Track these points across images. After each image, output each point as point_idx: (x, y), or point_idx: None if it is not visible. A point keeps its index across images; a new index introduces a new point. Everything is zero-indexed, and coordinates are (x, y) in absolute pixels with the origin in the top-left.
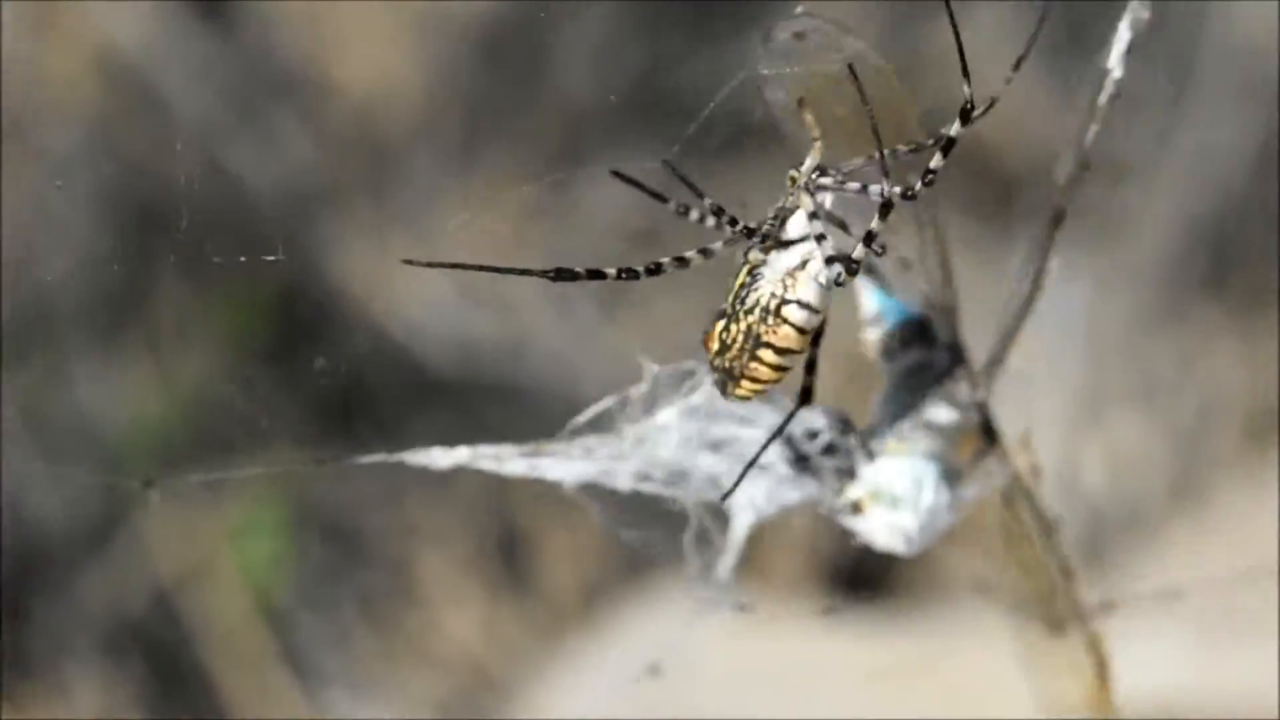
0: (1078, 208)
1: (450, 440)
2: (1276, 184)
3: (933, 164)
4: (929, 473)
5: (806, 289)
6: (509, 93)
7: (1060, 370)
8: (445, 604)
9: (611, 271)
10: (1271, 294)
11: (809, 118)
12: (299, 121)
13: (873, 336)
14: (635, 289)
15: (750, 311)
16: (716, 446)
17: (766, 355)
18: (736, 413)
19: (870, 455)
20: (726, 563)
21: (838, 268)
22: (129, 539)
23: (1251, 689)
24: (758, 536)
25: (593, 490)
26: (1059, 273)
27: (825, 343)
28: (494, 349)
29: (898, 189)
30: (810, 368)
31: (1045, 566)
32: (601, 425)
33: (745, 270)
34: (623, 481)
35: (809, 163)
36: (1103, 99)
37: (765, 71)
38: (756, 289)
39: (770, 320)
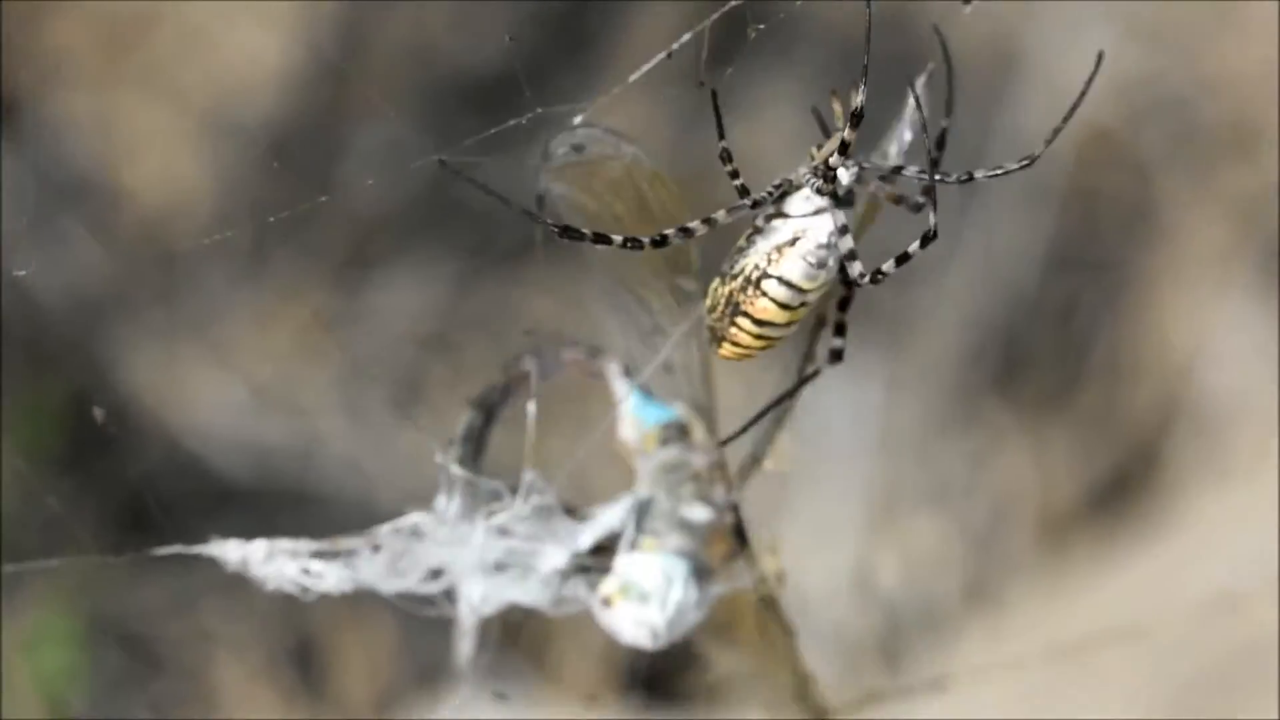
0: (869, 310)
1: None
2: (1063, 286)
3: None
4: (679, 569)
5: (791, 266)
6: (299, 201)
7: (855, 472)
8: (240, 711)
9: (617, 239)
10: (1060, 394)
11: (836, 107)
12: (90, 228)
13: (628, 435)
14: (429, 394)
15: (735, 278)
16: (501, 565)
17: (744, 323)
18: (523, 536)
19: (624, 550)
20: (463, 649)
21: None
22: None
23: None
24: (549, 638)
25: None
26: (852, 374)
27: (580, 437)
28: (287, 454)
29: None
30: (840, 330)
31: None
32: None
33: (745, 235)
34: (410, 584)
35: (827, 148)
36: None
37: (545, 187)
38: (745, 256)
39: (750, 291)
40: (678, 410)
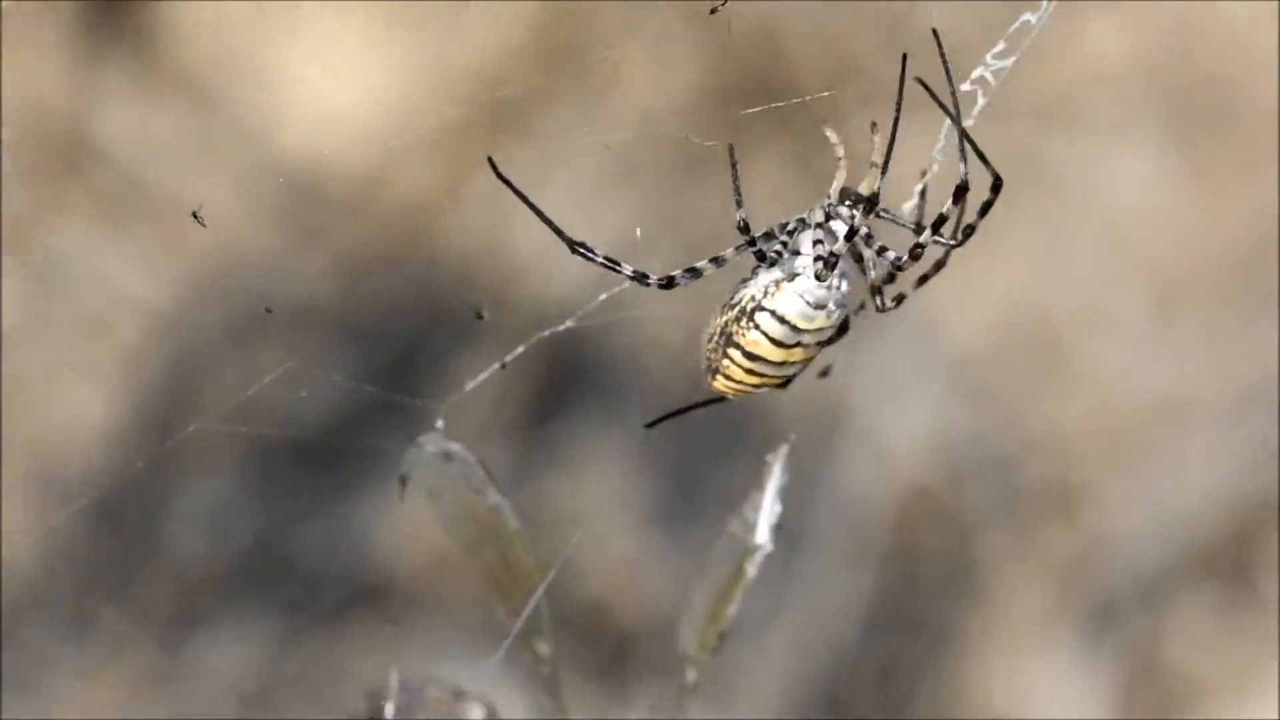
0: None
1: None
2: (885, 645)
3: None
4: None
5: (788, 301)
6: (122, 557)
7: None
8: None
9: (628, 269)
10: None
11: (832, 136)
12: None
13: None
14: None
15: (732, 307)
16: None
17: (735, 355)
18: None
19: None
20: None
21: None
22: None
23: None
24: None
25: None
26: None
27: None
28: None
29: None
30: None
31: None
32: None
33: (753, 267)
34: None
35: (834, 185)
36: (751, 570)
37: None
38: (746, 287)
39: (744, 321)
40: None
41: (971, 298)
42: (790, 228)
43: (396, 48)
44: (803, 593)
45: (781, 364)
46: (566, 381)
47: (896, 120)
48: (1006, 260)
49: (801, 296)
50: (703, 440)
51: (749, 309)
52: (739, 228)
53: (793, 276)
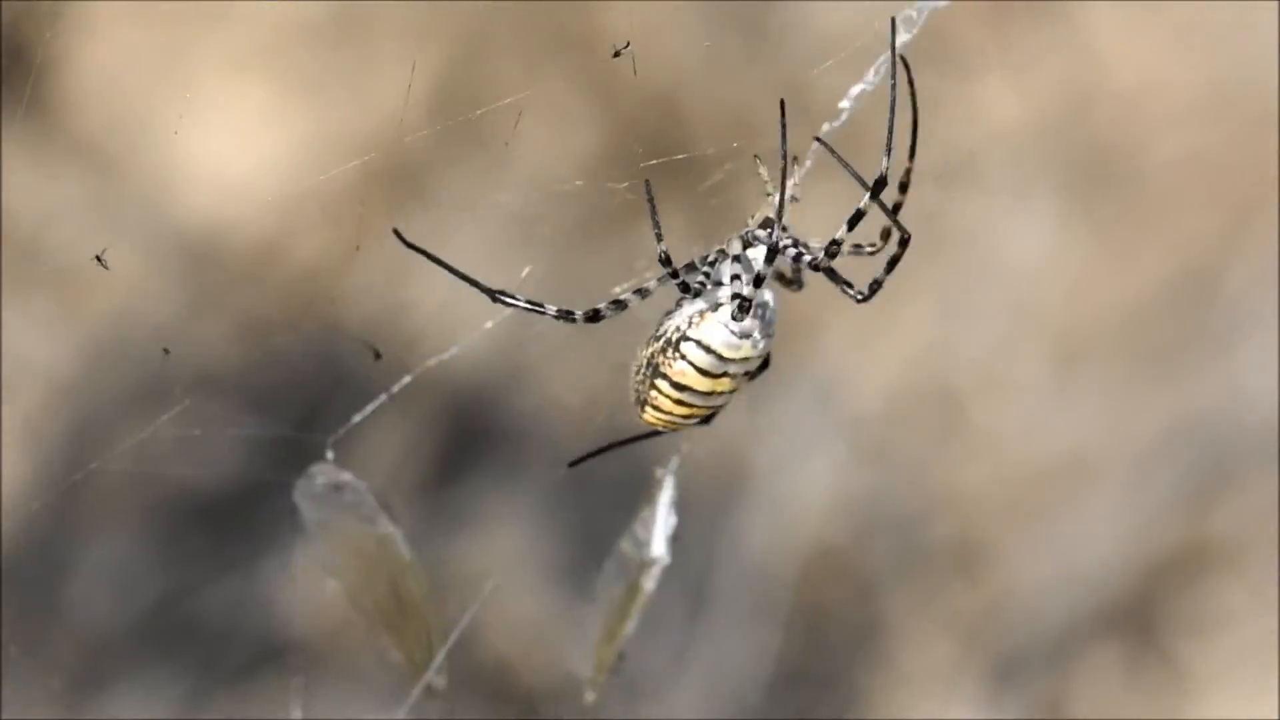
0: None
1: None
2: (790, 703)
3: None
4: None
5: (712, 331)
6: (27, 619)
7: None
8: None
9: (551, 310)
10: None
11: (763, 171)
12: None
13: None
14: None
15: (658, 339)
16: None
17: (663, 386)
18: None
19: None
20: None
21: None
22: None
23: None
24: None
25: None
26: None
27: None
28: None
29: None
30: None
31: None
32: None
33: (677, 299)
34: None
35: (757, 215)
36: (650, 585)
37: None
38: (671, 318)
39: (669, 352)
40: None
41: (872, 357)
42: (710, 259)
43: (295, 112)
44: (708, 652)
45: (709, 394)
46: (471, 443)
47: (785, 157)
48: (907, 320)
49: (726, 326)
50: (607, 497)
51: (674, 339)
52: (661, 260)
53: (716, 306)
